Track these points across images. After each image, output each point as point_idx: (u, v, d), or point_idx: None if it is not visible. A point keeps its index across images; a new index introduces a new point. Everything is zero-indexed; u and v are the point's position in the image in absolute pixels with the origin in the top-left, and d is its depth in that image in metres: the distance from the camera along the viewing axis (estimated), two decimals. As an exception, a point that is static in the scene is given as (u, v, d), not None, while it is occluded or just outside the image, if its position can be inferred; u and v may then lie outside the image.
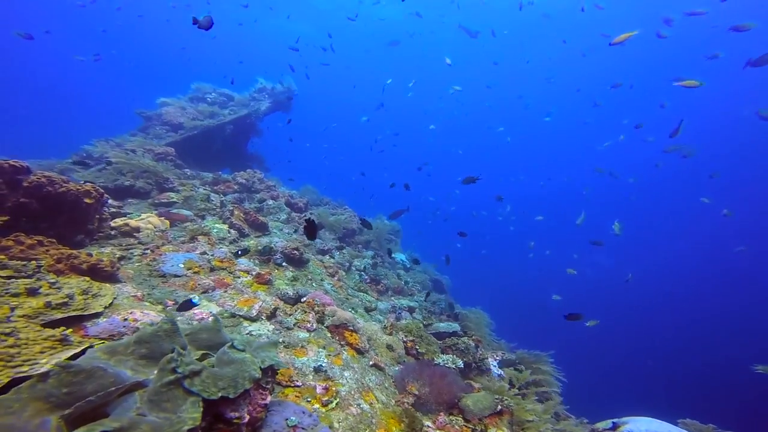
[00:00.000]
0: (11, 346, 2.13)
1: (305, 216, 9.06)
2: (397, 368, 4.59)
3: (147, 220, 5.89)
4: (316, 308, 4.67)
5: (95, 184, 4.96)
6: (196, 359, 2.32)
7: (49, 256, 3.71)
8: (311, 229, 3.88)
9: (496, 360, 6.09)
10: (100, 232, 5.15)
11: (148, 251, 4.93)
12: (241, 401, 2.29)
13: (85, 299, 3.04)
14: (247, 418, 2.28)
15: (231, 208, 7.08)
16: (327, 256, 7.64)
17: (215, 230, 6.12)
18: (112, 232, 5.29)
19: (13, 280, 2.92)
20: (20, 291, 2.75)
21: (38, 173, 4.51)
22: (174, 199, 7.35)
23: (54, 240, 4.09)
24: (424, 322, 6.63)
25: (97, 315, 3.08)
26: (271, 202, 8.85)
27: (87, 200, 4.75)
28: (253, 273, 5.15)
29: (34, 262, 3.29)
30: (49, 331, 2.29)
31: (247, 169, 10.39)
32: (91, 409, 1.93)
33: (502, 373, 5.84)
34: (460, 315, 8.09)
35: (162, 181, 7.82)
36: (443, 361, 4.89)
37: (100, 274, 3.71)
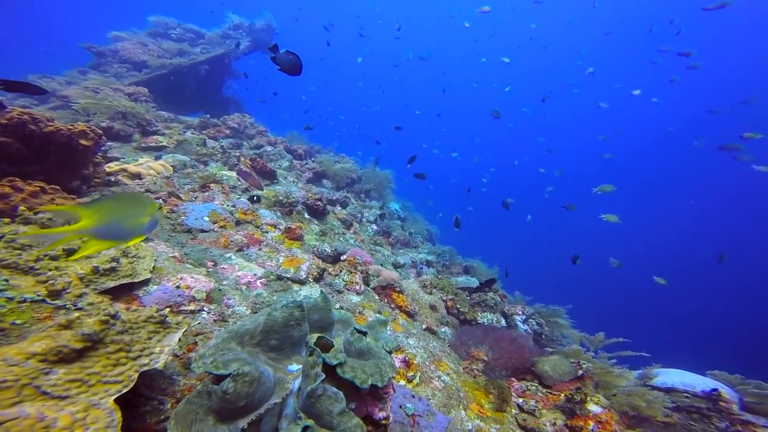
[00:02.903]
0: (122, 332, 1.63)
1: (307, 164, 8.43)
2: (444, 330, 4.38)
3: (147, 165, 5.15)
4: (359, 267, 4.30)
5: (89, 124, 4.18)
6: (314, 343, 1.92)
7: (56, 207, 3.07)
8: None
9: (520, 315, 6.06)
10: (96, 178, 4.42)
11: (161, 201, 4.29)
12: (386, 398, 1.95)
13: (130, 263, 2.50)
14: (391, 417, 1.96)
15: (237, 154, 6.36)
16: (338, 207, 7.16)
17: (225, 178, 5.47)
18: (112, 179, 4.57)
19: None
20: (59, 253, 2.18)
21: (16, 109, 3.70)
22: (164, 143, 6.51)
23: (57, 187, 3.41)
24: (439, 277, 6.45)
25: (145, 282, 2.56)
26: (269, 148, 8.11)
27: (84, 142, 3.98)
28: (281, 227, 4.64)
29: (61, 217, 2.66)
30: (146, 312, 1.80)
31: (234, 113, 9.46)
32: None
33: (528, 328, 5.83)
34: (469, 268, 7.99)
35: (144, 123, 6.90)
36: (487, 320, 4.72)
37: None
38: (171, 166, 5.54)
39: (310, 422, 1.60)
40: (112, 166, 4.86)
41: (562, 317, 6.64)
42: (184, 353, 2.37)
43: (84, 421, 1.32)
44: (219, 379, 1.71)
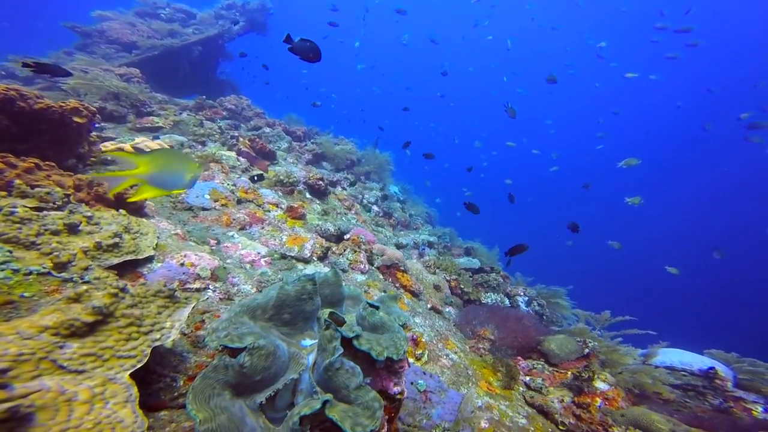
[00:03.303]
0: (132, 306, 1.56)
1: (306, 145, 8.29)
2: (448, 310, 4.36)
3: (144, 145, 5.02)
4: (363, 246, 4.24)
5: (82, 101, 4.03)
6: (327, 318, 1.87)
7: (54, 183, 2.98)
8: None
9: (523, 296, 6.06)
10: (92, 157, 4.29)
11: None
12: (401, 372, 1.91)
13: (133, 239, 2.42)
14: (405, 392, 1.92)
15: (236, 134, 6.22)
16: (339, 188, 7.07)
17: (224, 158, 5.35)
18: (108, 157, 4.44)
19: (44, 212, 2.23)
20: (59, 228, 2.09)
21: (2, 85, 3.56)
22: (159, 124, 6.36)
23: (53, 164, 3.30)
24: (441, 258, 6.42)
25: (149, 259, 2.48)
26: (267, 129, 7.96)
27: (77, 119, 3.85)
28: (283, 206, 4.56)
29: (60, 189, 2.56)
30: (155, 286, 1.73)
31: (231, 95, 9.25)
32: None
33: (530, 310, 5.83)
34: (470, 249, 7.97)
35: (138, 104, 6.73)
36: (491, 300, 4.71)
37: (127, 206, 3.03)
38: (169, 146, 5.41)
39: (328, 396, 1.56)
40: (108, 146, 4.73)
41: (562, 298, 6.66)
42: (192, 331, 2.31)
43: (103, 395, 1.29)
44: (234, 353, 1.66)
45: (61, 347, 1.34)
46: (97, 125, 4.11)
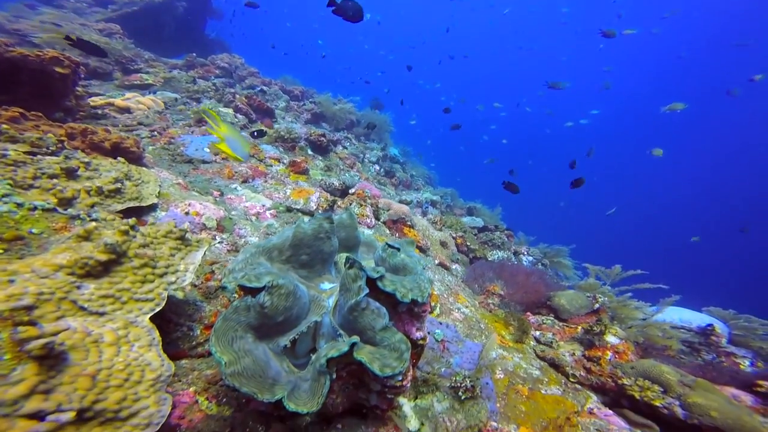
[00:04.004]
0: (144, 246, 1.45)
1: (304, 105, 8.00)
2: (455, 267, 4.30)
3: (136, 100, 4.77)
4: (369, 201, 4.12)
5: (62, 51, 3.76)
6: (349, 257, 1.77)
7: (43, 133, 2.79)
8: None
9: (526, 255, 6.04)
10: (81, 111, 4.07)
11: (156, 133, 4.00)
12: (423, 316, 1.83)
13: (135, 186, 2.28)
14: (428, 337, 1.85)
15: (232, 91, 5.95)
16: (339, 147, 6.87)
17: (221, 114, 5.12)
18: (99, 111, 4.22)
19: (38, 157, 2.07)
20: (57, 172, 1.94)
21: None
22: (149, 81, 6.07)
23: (39, 114, 3.10)
24: (445, 216, 6.34)
25: (153, 207, 2.36)
26: (264, 88, 7.64)
27: (59, 70, 3.61)
28: (285, 161, 4.40)
29: (52, 135, 2.39)
30: (164, 226, 1.61)
31: (222, 54, 8.82)
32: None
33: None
34: (472, 209, 7.90)
35: (124, 61, 6.37)
36: (498, 257, 4.66)
37: (125, 155, 2.87)
38: (162, 102, 5.16)
39: (355, 338, 1.48)
40: (97, 101, 4.49)
41: (565, 258, 6.66)
42: (202, 283, 2.22)
43: (127, 338, 1.24)
44: (252, 295, 1.57)
45: (78, 287, 1.26)
46: (81, 75, 3.85)
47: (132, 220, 1.49)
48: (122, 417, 1.15)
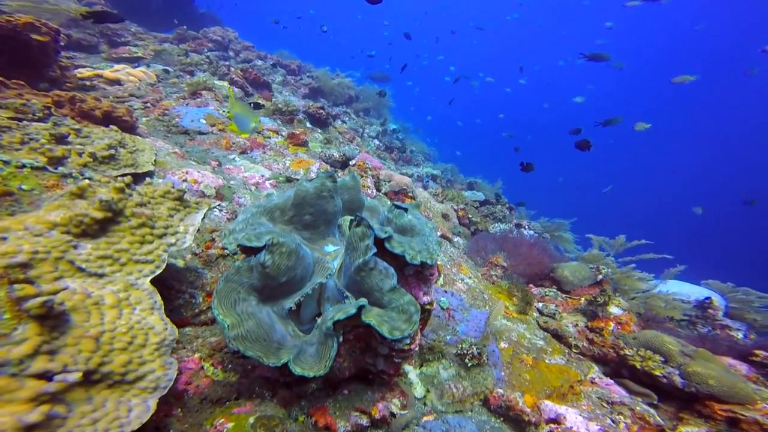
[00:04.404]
0: (142, 205, 1.38)
1: (302, 79, 7.82)
2: (456, 240, 4.26)
3: (126, 72, 4.62)
4: (370, 172, 4.05)
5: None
6: (357, 215, 1.70)
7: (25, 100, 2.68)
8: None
9: (527, 229, 6.00)
10: (68, 82, 3.91)
11: (149, 105, 3.88)
12: (431, 280, 1.77)
13: (129, 152, 2.20)
14: (435, 302, 1.81)
15: (227, 64, 5.78)
16: (338, 122, 6.74)
17: (216, 87, 4.98)
18: (88, 83, 4.08)
19: (24, 123, 1.98)
20: (46, 138, 1.85)
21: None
22: (139, 54, 5.88)
23: (21, 82, 2.97)
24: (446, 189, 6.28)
25: (149, 174, 2.28)
26: (259, 62, 7.45)
27: (37, 37, 3.42)
28: (283, 133, 4.30)
29: (37, 101, 2.28)
30: (162, 186, 1.54)
31: (215, 27, 8.54)
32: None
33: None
34: (473, 183, 7.83)
35: (109, 33, 6.15)
36: (500, 230, 4.62)
37: (117, 124, 2.76)
38: (154, 74, 5.00)
39: (363, 301, 1.43)
40: (84, 72, 4.33)
41: (565, 231, 6.62)
42: (203, 251, 2.17)
43: (128, 300, 1.20)
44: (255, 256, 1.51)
45: (75, 247, 1.21)
46: (60, 42, 3.68)
47: (127, 178, 1.42)
48: (129, 380, 1.13)
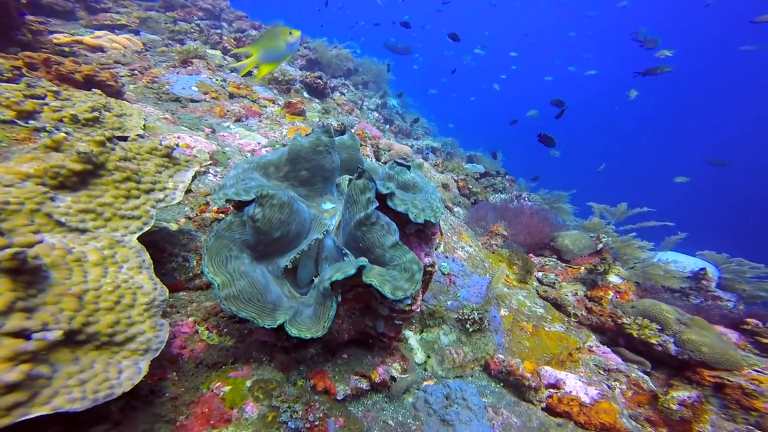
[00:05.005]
0: (126, 160, 1.30)
1: (299, 50, 7.56)
2: (456, 210, 4.19)
3: (108, 38, 4.42)
4: (369, 141, 3.94)
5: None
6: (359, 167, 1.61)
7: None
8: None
9: (527, 201, 5.92)
10: (43, 47, 3.67)
11: (137, 72, 3.73)
12: (433, 240, 1.70)
13: (116, 116, 2.09)
14: (436, 264, 1.74)
15: (219, 32, 5.57)
16: (337, 93, 6.56)
17: (209, 55, 4.81)
18: (66, 49, 3.88)
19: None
20: (18, 98, 1.74)
21: None
22: (123, 22, 5.61)
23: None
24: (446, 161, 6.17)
25: (139, 138, 2.18)
26: (253, 32, 7.19)
27: None
28: (279, 102, 4.17)
29: (3, 60, 2.15)
30: (148, 143, 1.45)
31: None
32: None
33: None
34: (473, 157, 7.72)
35: (88, -1, 5.84)
36: (500, 200, 4.54)
37: (101, 88, 2.64)
38: (141, 42, 4.81)
39: (363, 260, 1.36)
40: (61, 38, 4.10)
41: (564, 202, 6.54)
42: (197, 215, 2.10)
43: (114, 258, 1.12)
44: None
45: (52, 199, 1.12)
46: (23, 2, 3.42)
47: (108, 133, 1.33)
48: (118, 341, 1.07)
